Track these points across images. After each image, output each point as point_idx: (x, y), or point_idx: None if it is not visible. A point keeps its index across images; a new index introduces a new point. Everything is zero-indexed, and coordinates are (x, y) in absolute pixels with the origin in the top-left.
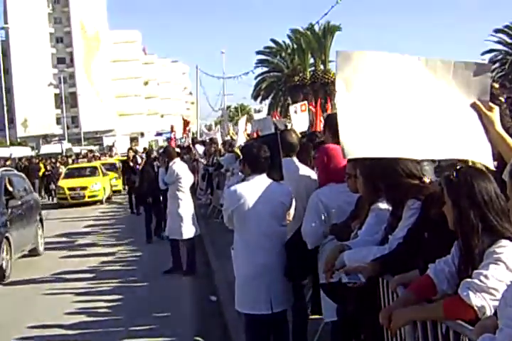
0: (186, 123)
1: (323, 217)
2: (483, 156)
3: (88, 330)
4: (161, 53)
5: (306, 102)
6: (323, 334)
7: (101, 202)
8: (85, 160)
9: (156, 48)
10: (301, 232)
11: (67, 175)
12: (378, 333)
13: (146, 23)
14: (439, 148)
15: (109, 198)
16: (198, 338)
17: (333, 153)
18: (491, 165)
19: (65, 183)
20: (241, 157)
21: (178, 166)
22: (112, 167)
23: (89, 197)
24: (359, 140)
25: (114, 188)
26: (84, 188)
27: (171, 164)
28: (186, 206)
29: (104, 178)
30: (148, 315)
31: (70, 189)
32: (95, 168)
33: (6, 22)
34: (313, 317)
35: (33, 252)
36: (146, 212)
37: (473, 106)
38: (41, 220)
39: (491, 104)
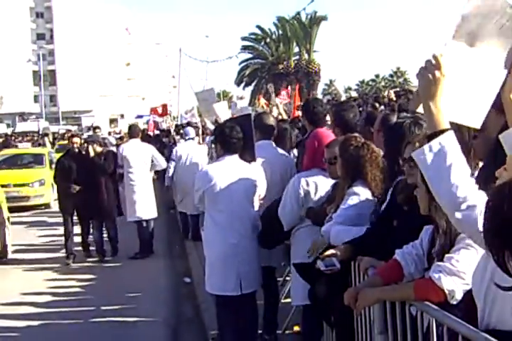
0: (164, 106)
1: (301, 200)
2: (473, 120)
3: (59, 309)
4: (144, 34)
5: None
6: (293, 318)
7: (47, 206)
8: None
9: (139, 29)
10: (279, 213)
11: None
12: (348, 315)
13: (131, 4)
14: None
15: None
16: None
17: (324, 139)
18: (478, 125)
19: None
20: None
21: (128, 147)
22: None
23: (27, 198)
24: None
25: None
26: (22, 185)
27: (123, 144)
28: (139, 188)
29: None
30: (121, 295)
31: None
32: (41, 155)
33: None
34: (285, 300)
35: None
36: None
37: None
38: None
39: None
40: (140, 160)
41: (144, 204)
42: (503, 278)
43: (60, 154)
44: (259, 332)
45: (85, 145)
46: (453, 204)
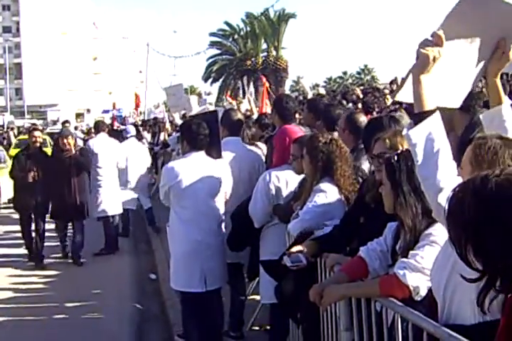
0: (137, 97)
1: (272, 197)
2: (452, 101)
3: (21, 305)
4: (112, 29)
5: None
6: (259, 316)
7: None
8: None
9: (107, 23)
10: (249, 210)
11: None
12: (314, 312)
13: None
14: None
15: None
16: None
17: (294, 135)
18: (458, 105)
19: None
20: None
21: (97, 142)
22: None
23: None
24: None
25: None
26: None
27: (91, 139)
28: (106, 184)
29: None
30: (86, 292)
31: None
32: None
33: None
34: (251, 297)
35: None
36: None
37: (501, 43)
38: None
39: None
40: (108, 156)
41: (110, 200)
42: (467, 270)
43: (18, 150)
44: (226, 329)
45: (60, 139)
46: (437, 187)
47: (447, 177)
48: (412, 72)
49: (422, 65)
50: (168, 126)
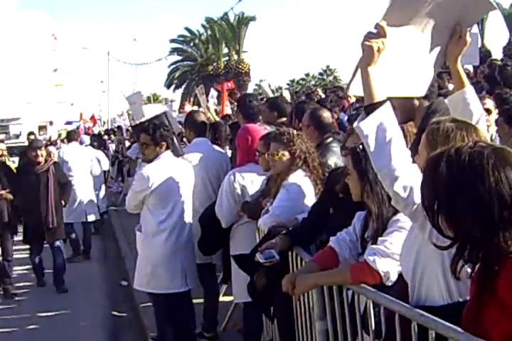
0: (92, 117)
1: (237, 196)
2: (415, 90)
3: None
4: (71, 40)
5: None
6: (234, 316)
7: None
8: None
9: (66, 34)
10: (216, 211)
11: None
12: (288, 305)
13: (55, 10)
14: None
15: None
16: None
17: (256, 134)
18: (422, 93)
19: None
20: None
21: (65, 151)
22: None
23: None
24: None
25: None
26: None
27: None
28: (80, 191)
29: None
30: (58, 301)
31: None
32: None
33: None
34: (226, 299)
35: None
36: None
37: (457, 28)
38: None
39: (468, 38)
40: (80, 164)
41: (85, 207)
42: (434, 255)
43: None
44: (200, 330)
45: (31, 151)
46: (392, 176)
47: (402, 165)
48: (359, 65)
49: (367, 57)
50: (125, 134)
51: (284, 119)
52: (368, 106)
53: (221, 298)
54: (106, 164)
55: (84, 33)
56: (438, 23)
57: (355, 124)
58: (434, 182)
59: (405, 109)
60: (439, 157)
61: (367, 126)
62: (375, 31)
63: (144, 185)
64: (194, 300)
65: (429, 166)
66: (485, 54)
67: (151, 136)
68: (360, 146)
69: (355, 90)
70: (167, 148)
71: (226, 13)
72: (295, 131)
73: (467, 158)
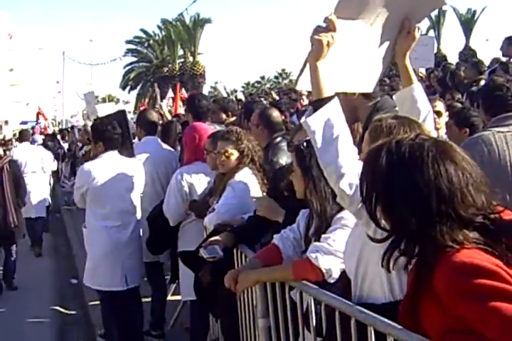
0: (37, 114)
1: (185, 194)
2: (363, 86)
3: None
4: (27, 39)
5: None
6: (181, 315)
7: None
8: None
9: (22, 34)
10: (163, 209)
11: None
12: (231, 302)
13: (11, 10)
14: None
15: None
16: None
17: (203, 132)
18: (370, 90)
19: None
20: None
21: (16, 150)
22: None
23: None
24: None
25: None
26: None
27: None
28: (31, 189)
29: None
30: (5, 296)
31: None
32: None
33: None
34: (174, 298)
35: None
36: None
37: (406, 23)
38: None
39: (417, 34)
40: (31, 163)
41: (34, 204)
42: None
43: None
44: (147, 328)
45: None
46: (338, 173)
47: (348, 162)
48: (308, 60)
49: (316, 51)
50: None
51: (233, 119)
52: (315, 102)
53: (169, 297)
54: (50, 165)
55: (40, 33)
56: (387, 17)
57: (302, 120)
58: (374, 173)
59: (348, 109)
60: (380, 148)
61: (314, 122)
62: (324, 25)
63: (80, 182)
64: (142, 299)
65: (369, 157)
66: (441, 59)
67: (99, 133)
68: (305, 143)
69: (304, 85)
70: (113, 148)
71: (181, 14)
72: (243, 130)
73: (407, 149)
